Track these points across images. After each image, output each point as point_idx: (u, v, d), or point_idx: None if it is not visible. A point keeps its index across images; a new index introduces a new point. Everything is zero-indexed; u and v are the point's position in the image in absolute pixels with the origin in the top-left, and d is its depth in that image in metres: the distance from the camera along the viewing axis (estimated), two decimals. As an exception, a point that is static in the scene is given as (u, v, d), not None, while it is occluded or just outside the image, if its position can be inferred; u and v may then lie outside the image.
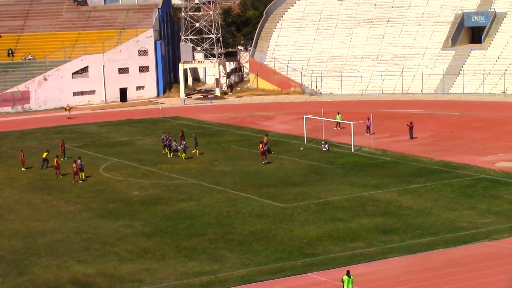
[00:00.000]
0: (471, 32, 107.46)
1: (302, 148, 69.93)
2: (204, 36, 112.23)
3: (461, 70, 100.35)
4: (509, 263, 40.03)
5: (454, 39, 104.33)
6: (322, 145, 69.40)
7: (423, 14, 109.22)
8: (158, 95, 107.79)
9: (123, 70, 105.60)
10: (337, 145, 70.79)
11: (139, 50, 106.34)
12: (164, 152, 69.35)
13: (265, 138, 68.78)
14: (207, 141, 74.01)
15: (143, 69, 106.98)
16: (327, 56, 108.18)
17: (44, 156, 66.70)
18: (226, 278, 39.36)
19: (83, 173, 61.91)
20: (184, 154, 67.45)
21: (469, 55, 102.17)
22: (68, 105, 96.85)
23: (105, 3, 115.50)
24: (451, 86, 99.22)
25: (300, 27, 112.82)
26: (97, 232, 47.72)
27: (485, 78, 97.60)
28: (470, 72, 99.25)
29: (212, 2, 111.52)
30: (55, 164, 62.86)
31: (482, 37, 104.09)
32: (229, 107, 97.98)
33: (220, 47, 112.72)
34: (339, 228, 46.56)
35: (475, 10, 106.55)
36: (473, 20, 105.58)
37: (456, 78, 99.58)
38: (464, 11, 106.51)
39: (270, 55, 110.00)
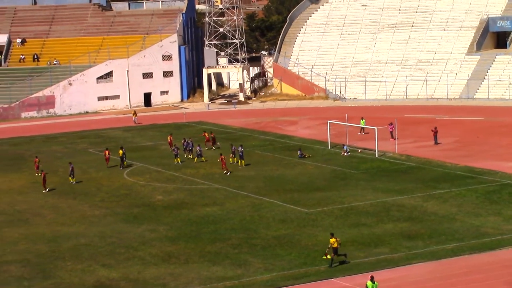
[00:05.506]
0: (496, 37, 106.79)
1: (360, 151, 69.85)
2: (228, 41, 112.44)
3: (486, 75, 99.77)
4: (535, 269, 39.78)
5: (479, 44, 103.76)
6: (343, 150, 69.32)
7: (447, 19, 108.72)
8: (182, 100, 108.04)
9: (147, 75, 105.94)
10: (356, 149, 70.64)
11: (163, 55, 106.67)
12: (176, 162, 67.97)
13: (205, 134, 73.26)
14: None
15: (167, 74, 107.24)
16: (351, 61, 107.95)
17: (120, 154, 67.16)
18: (250, 283, 39.37)
19: (73, 178, 62.31)
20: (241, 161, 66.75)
21: (494, 60, 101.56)
22: (134, 110, 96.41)
23: (129, 8, 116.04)
24: (476, 91, 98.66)
25: (324, 32, 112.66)
26: (122, 236, 47.89)
27: (511, 84, 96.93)
28: (495, 77, 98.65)
29: (236, 7, 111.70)
30: (43, 177, 60.44)
31: (508, 42, 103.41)
32: (253, 112, 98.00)
33: (244, 52, 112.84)
34: (363, 234, 46.43)
35: (500, 15, 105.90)
36: (498, 25, 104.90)
37: (481, 83, 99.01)
38: (489, 16, 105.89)
39: (294, 60, 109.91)
